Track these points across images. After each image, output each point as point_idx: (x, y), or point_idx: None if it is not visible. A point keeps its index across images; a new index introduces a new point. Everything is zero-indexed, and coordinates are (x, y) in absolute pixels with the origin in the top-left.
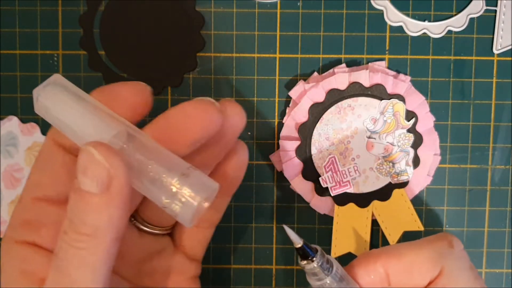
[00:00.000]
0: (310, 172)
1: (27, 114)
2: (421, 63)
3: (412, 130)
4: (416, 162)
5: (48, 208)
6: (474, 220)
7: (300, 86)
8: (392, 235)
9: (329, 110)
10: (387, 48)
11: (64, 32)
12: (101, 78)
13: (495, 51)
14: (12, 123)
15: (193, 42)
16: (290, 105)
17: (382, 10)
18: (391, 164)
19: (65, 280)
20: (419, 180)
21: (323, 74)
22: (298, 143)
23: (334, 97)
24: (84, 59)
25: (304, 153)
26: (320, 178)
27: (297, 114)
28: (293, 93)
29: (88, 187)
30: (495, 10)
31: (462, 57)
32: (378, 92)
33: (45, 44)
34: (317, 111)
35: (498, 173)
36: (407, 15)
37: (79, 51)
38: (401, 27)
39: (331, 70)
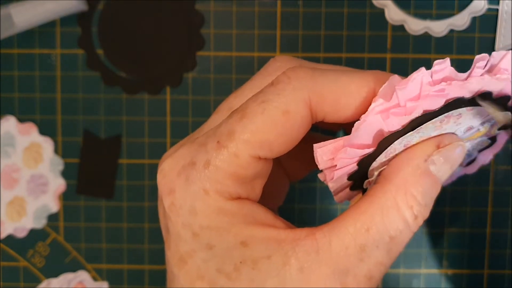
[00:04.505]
0: (359, 175)
1: (25, 113)
2: (422, 62)
3: (492, 137)
4: (470, 163)
5: (264, 164)
6: (476, 221)
7: (416, 86)
8: None
9: (433, 120)
10: (388, 47)
11: (62, 31)
12: (99, 77)
13: (497, 50)
14: (9, 123)
15: (192, 41)
16: (384, 99)
17: (383, 9)
18: None
19: None
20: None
21: (456, 75)
22: (369, 151)
23: (451, 106)
24: (83, 58)
25: (368, 160)
26: (366, 181)
27: (391, 122)
28: (404, 94)
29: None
30: (497, 9)
31: (464, 56)
32: (498, 102)
33: (43, 43)
34: (420, 120)
35: (500, 173)
36: (409, 13)
37: (77, 50)
38: (402, 26)
39: (464, 74)
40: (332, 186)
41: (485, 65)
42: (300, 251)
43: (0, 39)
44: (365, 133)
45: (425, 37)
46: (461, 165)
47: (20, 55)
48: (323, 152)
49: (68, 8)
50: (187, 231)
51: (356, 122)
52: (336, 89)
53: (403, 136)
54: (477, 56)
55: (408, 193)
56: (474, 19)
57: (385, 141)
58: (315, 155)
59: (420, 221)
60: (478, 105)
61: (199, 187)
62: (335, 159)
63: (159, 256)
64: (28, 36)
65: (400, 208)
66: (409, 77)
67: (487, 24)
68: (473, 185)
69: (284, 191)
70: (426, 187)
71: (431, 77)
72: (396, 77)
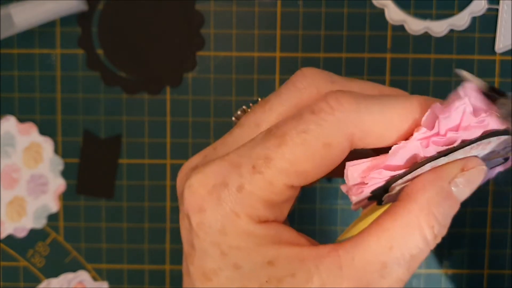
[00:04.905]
0: (381, 191)
1: (25, 113)
2: (422, 62)
3: (506, 158)
4: None
5: (295, 190)
6: (476, 221)
7: (458, 116)
8: None
9: (466, 147)
10: (388, 47)
11: (62, 31)
12: (99, 77)
13: (497, 50)
14: (9, 123)
15: (192, 41)
16: (427, 128)
17: (383, 9)
18: None
19: None
20: None
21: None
22: (400, 172)
23: (485, 136)
24: (83, 58)
25: (395, 179)
26: (386, 195)
27: (430, 149)
28: (446, 123)
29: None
30: (497, 9)
31: (464, 56)
32: None
33: (43, 43)
34: (455, 148)
35: (501, 173)
36: (409, 13)
37: (77, 50)
38: (402, 26)
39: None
40: (355, 199)
41: None
42: (323, 268)
43: (0, 39)
44: (402, 157)
45: (425, 37)
46: None
47: (20, 55)
48: (354, 170)
49: (68, 8)
50: (216, 250)
51: (395, 146)
52: (381, 125)
53: (435, 160)
54: None
55: (431, 214)
56: (474, 19)
57: (418, 165)
58: (345, 172)
59: (439, 239)
60: (509, 134)
61: (230, 209)
62: (366, 178)
63: (159, 256)
64: (28, 36)
65: (422, 228)
66: (452, 105)
67: (487, 24)
68: None
69: (295, 199)
70: (447, 209)
71: (474, 109)
72: (437, 105)
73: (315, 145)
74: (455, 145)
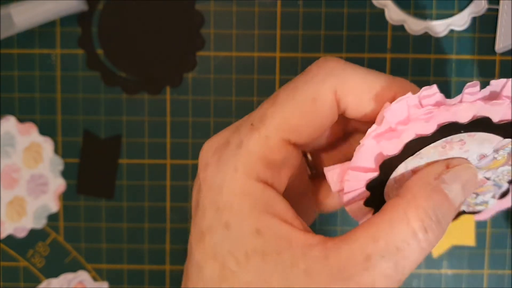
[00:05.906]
0: (375, 200)
1: (25, 113)
2: (422, 62)
3: None
4: (504, 195)
5: (292, 151)
6: (476, 221)
7: (403, 108)
8: (438, 247)
9: (432, 145)
10: (388, 47)
11: (62, 31)
12: (99, 77)
13: (497, 50)
14: (9, 123)
15: (192, 41)
16: (377, 124)
17: (383, 9)
18: (474, 195)
19: None
20: (495, 207)
21: (443, 100)
22: (373, 175)
23: (447, 131)
24: (82, 58)
25: (377, 184)
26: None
27: (387, 146)
28: (391, 115)
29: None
30: (497, 9)
31: (464, 56)
32: (504, 128)
33: (43, 43)
34: (417, 145)
35: None
36: (409, 13)
37: (77, 50)
38: (402, 26)
39: (458, 98)
40: (348, 209)
41: (479, 92)
42: (309, 256)
43: (0, 39)
44: (365, 157)
45: (425, 37)
46: (493, 197)
47: (20, 55)
48: (333, 174)
49: (68, 8)
50: (212, 206)
51: (357, 146)
52: (362, 84)
53: (406, 161)
54: (468, 84)
55: (420, 207)
56: (474, 19)
57: (385, 165)
58: (326, 178)
59: (431, 236)
60: (480, 131)
61: (230, 165)
62: (342, 182)
63: (159, 256)
64: (28, 36)
65: (409, 220)
66: (396, 100)
67: (487, 24)
68: None
69: (309, 220)
70: (436, 202)
71: (420, 102)
72: (388, 103)
73: (303, 100)
74: (410, 138)
